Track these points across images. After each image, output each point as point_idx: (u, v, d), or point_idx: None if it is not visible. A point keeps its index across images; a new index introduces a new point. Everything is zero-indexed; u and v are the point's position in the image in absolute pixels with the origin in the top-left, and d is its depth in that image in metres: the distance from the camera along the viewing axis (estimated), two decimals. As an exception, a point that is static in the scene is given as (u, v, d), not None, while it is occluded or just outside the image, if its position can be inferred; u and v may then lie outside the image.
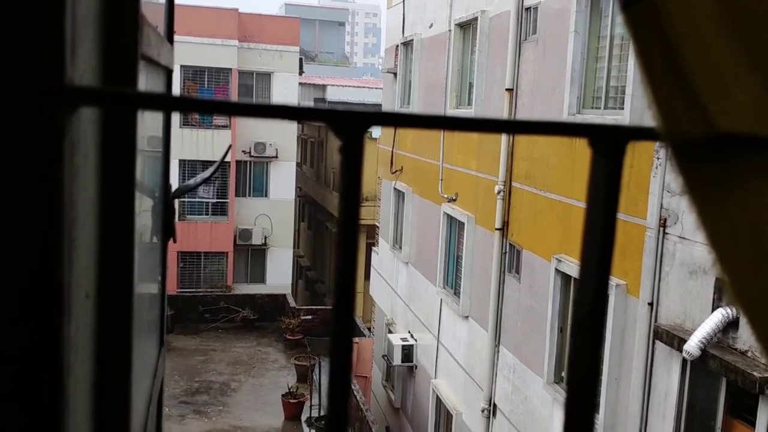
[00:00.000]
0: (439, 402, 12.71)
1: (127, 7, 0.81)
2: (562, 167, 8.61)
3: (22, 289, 0.46)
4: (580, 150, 8.28)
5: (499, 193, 10.19)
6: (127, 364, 0.76)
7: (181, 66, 23.45)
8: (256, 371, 20.26)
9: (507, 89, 10.02)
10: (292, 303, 24.26)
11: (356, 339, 17.88)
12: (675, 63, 0.46)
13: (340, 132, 0.48)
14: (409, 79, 14.89)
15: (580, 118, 8.20)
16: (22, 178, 0.46)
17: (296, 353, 20.75)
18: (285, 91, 25.81)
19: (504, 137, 10.08)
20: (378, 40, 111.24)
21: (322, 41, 72.57)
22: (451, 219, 12.36)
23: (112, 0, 0.75)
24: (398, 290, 15.46)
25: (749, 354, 5.68)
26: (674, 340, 6.31)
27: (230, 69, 24.87)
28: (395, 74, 15.68)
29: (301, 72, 27.43)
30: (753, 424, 5.67)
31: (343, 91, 33.14)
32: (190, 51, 23.30)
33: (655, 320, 6.77)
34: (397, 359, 14.04)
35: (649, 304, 6.84)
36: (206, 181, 20.80)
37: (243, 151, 25.37)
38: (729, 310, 5.84)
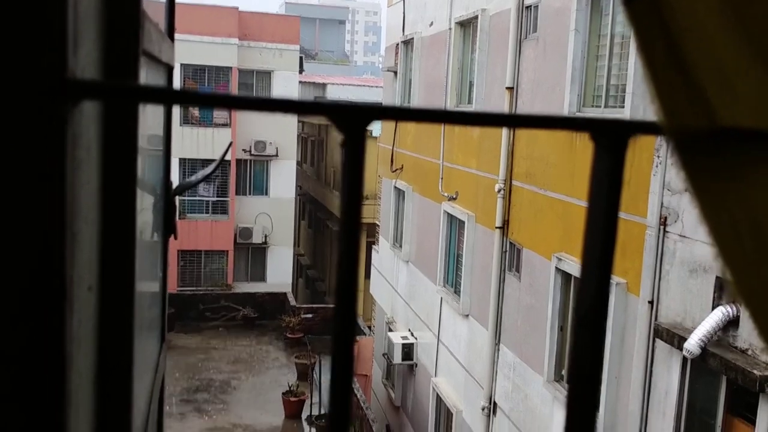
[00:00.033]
0: (439, 400, 12.72)
1: (128, 3, 0.82)
2: (563, 166, 8.61)
3: (25, 283, 0.46)
4: (581, 148, 8.28)
5: (499, 191, 10.19)
6: (128, 357, 0.76)
7: (182, 65, 23.44)
8: (256, 369, 20.27)
9: (507, 88, 10.02)
10: (292, 301, 24.27)
11: (357, 337, 17.88)
12: (677, 57, 0.46)
13: (342, 126, 0.47)
14: (409, 78, 14.88)
15: (580, 117, 8.19)
16: (25, 170, 0.46)
17: (296, 351, 20.77)
18: (285, 89, 25.80)
19: (504, 136, 10.07)
20: (378, 38, 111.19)
21: (323, 40, 72.54)
22: (451, 217, 12.36)
23: (113, -4, 0.75)
24: (398, 289, 15.46)
25: (749, 352, 5.68)
26: (674, 338, 6.31)
27: (230, 67, 24.87)
28: (395, 73, 15.68)
29: (301, 70, 27.43)
30: (753, 422, 5.67)
31: (343, 90, 33.16)
32: (191, 49, 23.29)
33: (656, 318, 6.77)
34: (397, 357, 14.05)
35: (649, 302, 6.84)
36: (207, 178, 20.80)
37: (243, 150, 25.36)
38: (729, 309, 5.84)
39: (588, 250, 0.52)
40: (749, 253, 0.49)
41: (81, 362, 0.60)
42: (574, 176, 8.33)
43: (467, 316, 11.56)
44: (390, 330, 15.44)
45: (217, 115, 25.16)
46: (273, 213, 26.00)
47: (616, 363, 7.34)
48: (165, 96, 0.44)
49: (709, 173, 0.49)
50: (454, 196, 11.98)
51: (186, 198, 24.58)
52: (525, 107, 9.72)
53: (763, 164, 0.46)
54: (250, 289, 25.15)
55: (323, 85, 33.44)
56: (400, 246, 15.19)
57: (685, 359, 6.27)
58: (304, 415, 17.49)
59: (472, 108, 11.33)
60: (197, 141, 24.35)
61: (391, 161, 15.59)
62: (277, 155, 25.86)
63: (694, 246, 6.29)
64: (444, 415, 12.59)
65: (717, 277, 6.01)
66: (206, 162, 23.49)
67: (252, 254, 26.31)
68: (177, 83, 24.49)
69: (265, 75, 25.90)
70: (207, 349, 21.42)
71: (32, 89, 0.45)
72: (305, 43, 50.51)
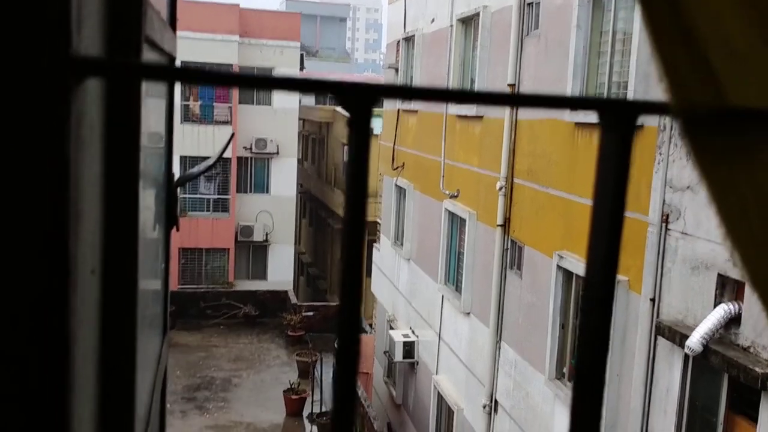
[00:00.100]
0: (440, 398, 12.72)
1: (130, -11, 0.81)
2: (564, 163, 8.61)
3: (30, 258, 0.46)
4: (582, 146, 8.27)
5: (500, 189, 10.18)
6: (131, 342, 0.76)
7: (182, 62, 23.43)
8: (257, 367, 20.30)
9: (509, 84, 10.01)
10: (293, 299, 24.29)
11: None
12: (685, 31, 0.45)
13: (348, 105, 0.47)
14: (410, 75, 14.87)
15: (582, 114, 8.19)
16: (30, 148, 0.45)
17: (298, 349, 20.79)
18: (286, 87, 25.79)
19: (506, 133, 10.07)
20: (379, 35, 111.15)
21: (323, 37, 72.49)
22: (452, 215, 12.36)
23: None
24: (400, 287, 15.47)
25: (751, 350, 5.68)
26: (676, 335, 6.31)
27: (231, 65, 24.85)
28: (397, 70, 15.67)
29: (302, 68, 27.42)
30: (755, 419, 5.67)
31: (344, 88, 33.11)
32: (191, 47, 23.28)
33: (657, 316, 6.76)
34: (398, 355, 14.06)
35: (651, 300, 6.84)
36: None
37: (244, 148, 25.37)
38: (731, 306, 5.84)
39: (595, 233, 0.51)
40: (757, 234, 0.49)
41: (84, 344, 0.60)
42: (575, 174, 8.32)
43: (468, 314, 11.56)
44: (391, 328, 15.44)
45: (218, 112, 25.17)
46: (274, 211, 26.01)
47: (618, 361, 7.34)
48: (168, 74, 0.44)
49: (717, 154, 0.49)
50: (456, 194, 11.97)
51: (187, 196, 24.60)
52: (526, 105, 9.71)
53: None
54: (251, 286, 25.17)
55: (324, 83, 33.40)
56: (402, 244, 15.19)
57: (686, 357, 6.27)
58: (305, 412, 17.51)
59: (473, 106, 11.30)
60: (198, 139, 24.35)
61: (393, 159, 15.59)
62: (278, 153, 25.86)
63: (696, 243, 6.28)
64: (445, 412, 12.59)
65: (719, 275, 6.01)
66: (207, 160, 23.47)
67: (253, 252, 26.32)
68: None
69: (266, 72, 25.88)
70: (208, 347, 21.45)
71: (36, 66, 0.45)
72: (306, 41, 50.49)
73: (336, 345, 0.48)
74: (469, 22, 11.88)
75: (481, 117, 11.17)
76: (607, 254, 0.50)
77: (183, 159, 23.75)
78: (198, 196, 25.28)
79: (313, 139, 30.96)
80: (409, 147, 14.79)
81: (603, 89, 8.08)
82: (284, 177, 26.28)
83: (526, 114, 9.73)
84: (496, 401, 10.45)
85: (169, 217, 1.66)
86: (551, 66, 8.99)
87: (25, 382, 0.47)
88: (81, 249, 0.55)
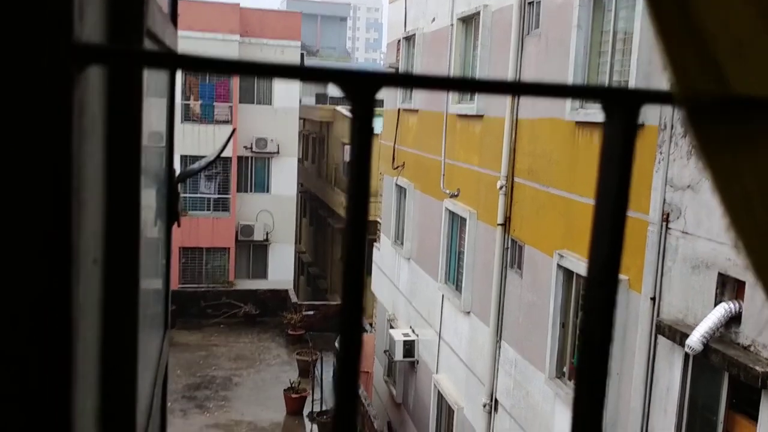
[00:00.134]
0: (440, 397, 12.72)
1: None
2: (565, 163, 8.60)
3: (33, 245, 0.46)
4: (583, 145, 8.27)
5: (501, 188, 10.18)
6: (133, 332, 0.76)
7: (183, 61, 23.41)
8: (258, 366, 20.30)
9: (509, 84, 10.00)
10: (293, 298, 24.30)
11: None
12: (689, 19, 0.45)
13: (350, 94, 0.47)
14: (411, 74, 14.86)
15: (582, 113, 8.20)
16: (32, 136, 0.45)
17: (298, 348, 20.80)
18: (287, 85, 25.80)
19: (506, 133, 10.07)
20: (380, 35, 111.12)
21: (324, 36, 72.50)
22: (452, 215, 12.36)
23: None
24: (400, 286, 15.47)
25: (752, 349, 5.68)
26: (676, 334, 6.30)
27: (232, 64, 24.83)
28: (397, 69, 15.66)
29: (302, 67, 27.38)
30: (755, 418, 5.67)
31: (344, 87, 33.12)
32: (192, 46, 23.28)
33: (658, 315, 6.76)
34: (398, 354, 14.06)
35: (651, 299, 6.84)
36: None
37: (244, 147, 25.38)
38: (731, 305, 5.83)
39: (598, 223, 0.51)
40: (761, 224, 0.49)
41: (86, 333, 0.60)
42: (576, 173, 8.32)
43: (468, 313, 11.56)
44: (391, 327, 15.44)
45: (219, 112, 25.17)
46: (274, 210, 26.01)
47: (618, 359, 7.34)
48: (170, 60, 0.44)
49: (720, 143, 0.49)
50: (456, 194, 11.97)
51: (187, 195, 24.60)
52: (527, 103, 9.72)
53: None
54: (252, 286, 25.18)
55: (325, 83, 33.41)
56: (402, 243, 15.19)
57: (687, 356, 6.27)
58: (306, 411, 17.52)
59: (474, 104, 11.32)
60: (198, 138, 24.35)
61: (393, 158, 15.59)
62: (278, 152, 25.87)
63: (696, 242, 6.28)
64: (445, 412, 12.59)
65: (719, 274, 6.00)
66: (208, 159, 23.47)
67: (253, 251, 26.33)
68: (178, 79, 24.51)
69: (267, 72, 25.87)
70: (208, 346, 21.46)
71: (38, 53, 0.45)
72: (306, 40, 50.49)
73: (337, 344, 0.48)
74: (469, 21, 11.88)
75: (481, 116, 11.17)
76: (609, 251, 0.49)
77: (183, 158, 23.76)
78: (198, 195, 25.28)
79: (313, 138, 30.95)
80: (409, 146, 14.79)
81: (604, 88, 8.07)
82: (285, 176, 26.29)
83: (526, 113, 9.73)
84: (496, 400, 10.45)
85: (171, 214, 1.66)
86: (552, 65, 8.99)
87: (25, 380, 0.47)
88: (83, 239, 0.55)
